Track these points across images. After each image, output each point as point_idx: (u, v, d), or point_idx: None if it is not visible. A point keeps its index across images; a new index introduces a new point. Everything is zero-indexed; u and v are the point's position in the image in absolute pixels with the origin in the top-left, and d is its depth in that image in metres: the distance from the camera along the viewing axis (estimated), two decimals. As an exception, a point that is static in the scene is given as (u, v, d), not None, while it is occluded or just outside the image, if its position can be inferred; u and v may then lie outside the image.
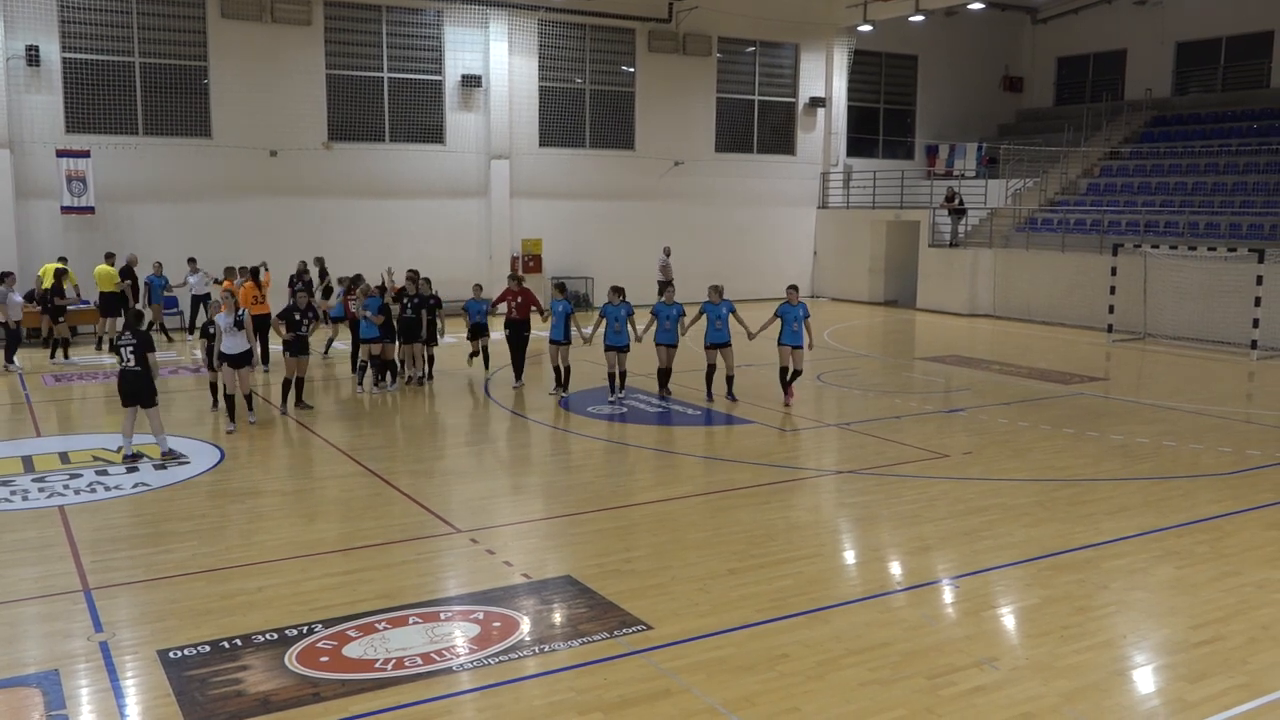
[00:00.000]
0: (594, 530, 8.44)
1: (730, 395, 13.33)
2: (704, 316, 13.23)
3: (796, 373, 13.32)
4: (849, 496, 9.57)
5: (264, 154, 21.10)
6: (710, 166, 26.25)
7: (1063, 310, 22.17)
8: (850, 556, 8.16)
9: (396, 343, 14.36)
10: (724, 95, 26.49)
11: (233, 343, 11.56)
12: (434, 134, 23.06)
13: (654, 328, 13.42)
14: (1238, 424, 12.73)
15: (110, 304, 17.79)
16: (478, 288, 15.22)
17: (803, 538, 8.33)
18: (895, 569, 7.78)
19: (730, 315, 13.11)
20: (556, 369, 13.85)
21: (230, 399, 11.76)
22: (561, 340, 13.72)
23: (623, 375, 13.31)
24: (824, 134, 27.97)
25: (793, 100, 27.58)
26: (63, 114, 19.46)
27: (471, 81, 22.95)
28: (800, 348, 13.13)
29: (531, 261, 24.14)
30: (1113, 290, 20.16)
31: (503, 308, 14.43)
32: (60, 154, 19.15)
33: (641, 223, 25.45)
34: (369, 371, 14.35)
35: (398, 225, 22.53)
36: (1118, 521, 8.67)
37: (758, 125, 27.18)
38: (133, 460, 10.22)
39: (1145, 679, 5.95)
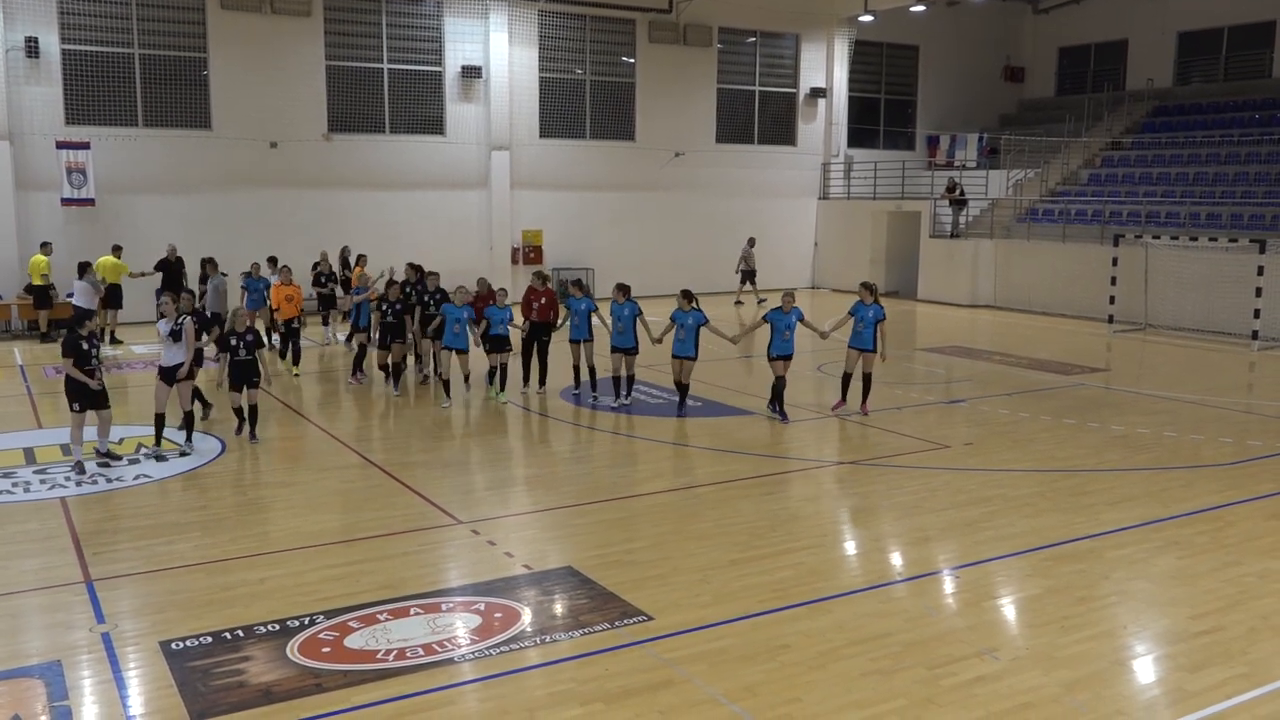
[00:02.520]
0: (595, 521, 8.45)
1: (775, 409, 12.04)
2: (768, 325, 11.81)
3: (867, 379, 12.12)
4: (850, 487, 9.57)
5: (264, 145, 21.04)
6: (711, 157, 26.19)
7: (1064, 301, 22.15)
8: (851, 547, 8.17)
9: (399, 342, 13.50)
10: (725, 86, 26.41)
11: (169, 354, 10.31)
12: (434, 125, 22.99)
13: (672, 335, 12.18)
14: (1238, 414, 12.72)
15: (112, 296, 17.79)
16: (502, 292, 13.24)
17: (804, 528, 8.34)
18: (896, 560, 7.80)
19: (799, 321, 11.77)
20: (577, 369, 13.06)
21: (185, 415, 10.40)
22: (587, 338, 12.92)
23: (630, 379, 12.61)
24: (825, 124, 27.89)
25: (793, 91, 27.49)
26: (62, 105, 19.39)
27: (472, 72, 22.88)
28: (870, 351, 11.91)
29: (532, 253, 24.12)
30: (1114, 281, 20.12)
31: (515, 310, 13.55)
32: (60, 145, 19.09)
33: (642, 214, 25.41)
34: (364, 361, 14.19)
35: (398, 217, 22.49)
36: (1119, 512, 8.68)
37: (758, 116, 27.11)
38: (110, 458, 9.84)
39: (1146, 669, 5.97)
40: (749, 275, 24.45)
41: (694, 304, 12.10)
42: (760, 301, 23.81)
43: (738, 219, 26.58)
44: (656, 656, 5.91)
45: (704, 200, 26.15)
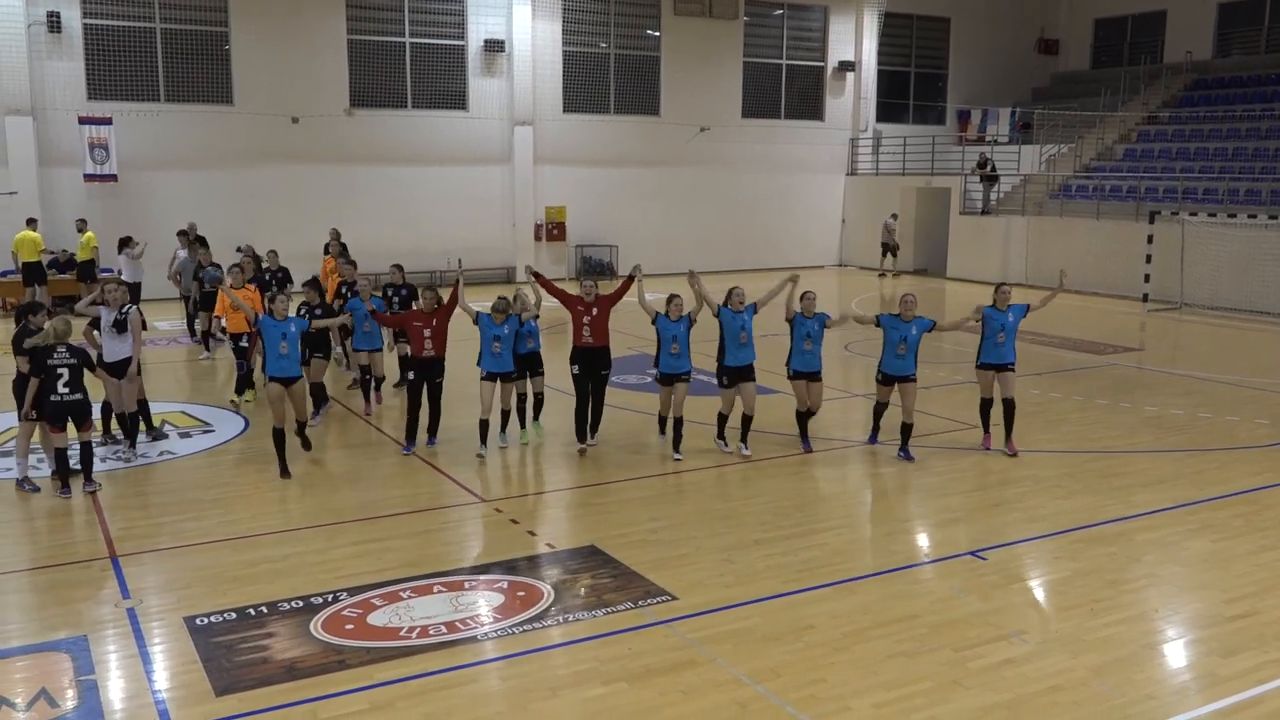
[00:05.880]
0: (618, 500, 8.41)
1: (904, 452, 9.47)
2: (880, 329, 9.50)
3: (1008, 405, 9.49)
4: (876, 467, 9.44)
5: (285, 121, 21.02)
6: (737, 132, 25.88)
7: (1097, 279, 21.75)
8: (878, 528, 8.08)
9: (320, 358, 10.61)
10: (751, 59, 26.05)
11: (114, 347, 9.13)
12: (456, 100, 22.87)
13: (791, 353, 9.45)
14: (1275, 396, 12.44)
15: (33, 273, 17.64)
16: (519, 303, 9.68)
17: (829, 509, 8.26)
18: (923, 541, 7.71)
19: (924, 333, 9.33)
20: (664, 420, 9.72)
21: (119, 416, 9.43)
22: (686, 373, 9.35)
23: (678, 422, 9.45)
24: (853, 99, 27.48)
25: (821, 64, 27.09)
26: (84, 80, 19.43)
27: (494, 46, 22.71)
28: (1008, 368, 9.50)
29: (555, 229, 24.01)
30: (1149, 259, 19.72)
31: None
32: (83, 121, 19.12)
33: (667, 190, 25.21)
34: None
35: (420, 193, 22.44)
36: (1151, 494, 8.53)
37: (785, 90, 26.75)
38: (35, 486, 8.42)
39: (1176, 653, 5.88)
40: (890, 249, 25.11)
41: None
42: (895, 275, 24.81)
43: (764, 195, 26.35)
44: (680, 636, 5.87)
45: (729, 176, 25.88)
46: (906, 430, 9.52)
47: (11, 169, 18.79)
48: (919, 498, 8.57)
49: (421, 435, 9.69)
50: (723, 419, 9.64)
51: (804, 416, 9.82)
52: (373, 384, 11.19)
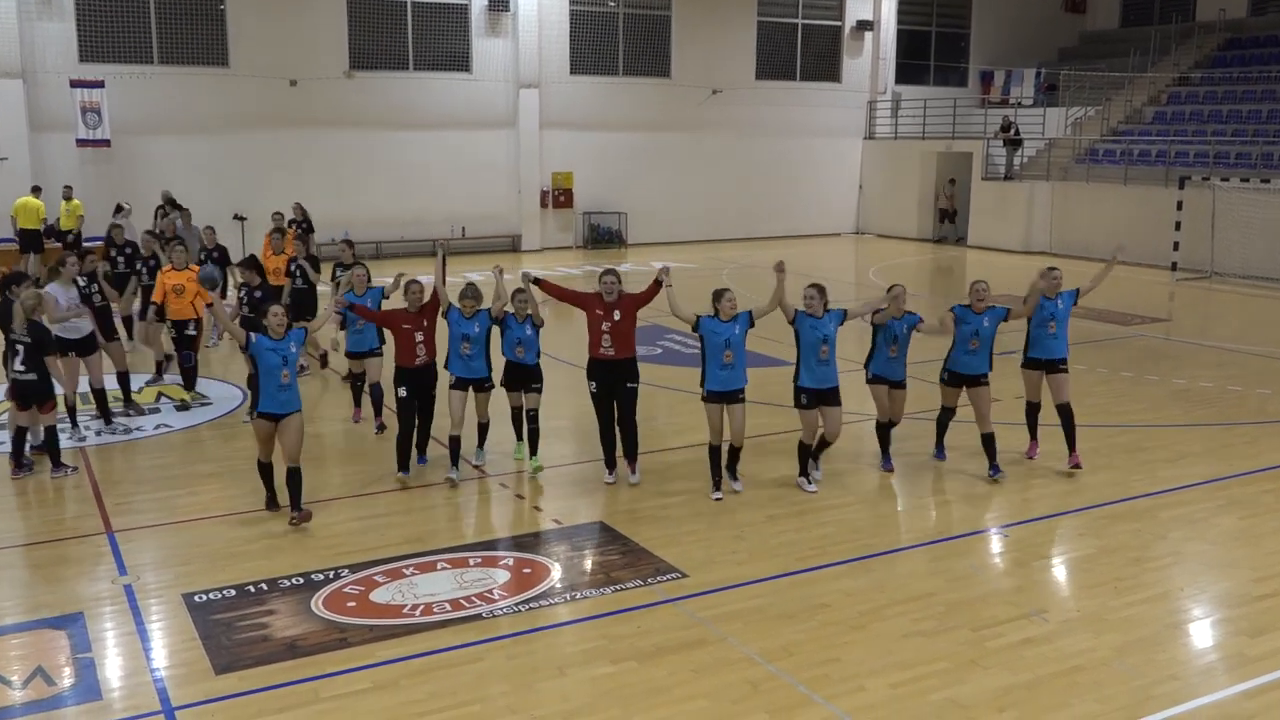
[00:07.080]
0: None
1: (994, 469, 8.00)
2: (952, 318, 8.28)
3: (1064, 413, 8.17)
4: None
5: (283, 84, 20.65)
6: (750, 95, 25.43)
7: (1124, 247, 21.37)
8: (895, 504, 7.94)
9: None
10: (765, 19, 25.54)
11: (77, 323, 8.80)
12: (460, 61, 22.48)
13: (873, 354, 8.18)
14: (1307, 366, 12.20)
15: (31, 241, 17.44)
16: (521, 299, 7.88)
17: (844, 484, 8.11)
18: (942, 517, 7.57)
19: (998, 324, 8.18)
20: (716, 451, 7.59)
21: (99, 393, 9.07)
22: (734, 391, 7.44)
23: (734, 453, 7.67)
24: (871, 60, 26.94)
25: (838, 23, 26.53)
26: (76, 42, 19.05)
27: (499, 5, 22.27)
28: (1059, 367, 8.13)
29: (562, 196, 23.71)
30: (1178, 226, 19.29)
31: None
32: (74, 84, 18.74)
33: (677, 155, 24.83)
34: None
35: (422, 158, 22.09)
36: (1178, 469, 8.38)
37: (801, 51, 26.23)
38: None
39: (1202, 633, 5.78)
40: (946, 214, 25.20)
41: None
42: (954, 239, 24.89)
43: (778, 160, 25.97)
44: (690, 614, 5.79)
45: (743, 141, 25.49)
46: (990, 444, 7.96)
47: (1, 134, 18.47)
48: (938, 473, 8.41)
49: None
50: (804, 449, 7.73)
51: (884, 429, 8.32)
52: (364, 391, 9.60)
